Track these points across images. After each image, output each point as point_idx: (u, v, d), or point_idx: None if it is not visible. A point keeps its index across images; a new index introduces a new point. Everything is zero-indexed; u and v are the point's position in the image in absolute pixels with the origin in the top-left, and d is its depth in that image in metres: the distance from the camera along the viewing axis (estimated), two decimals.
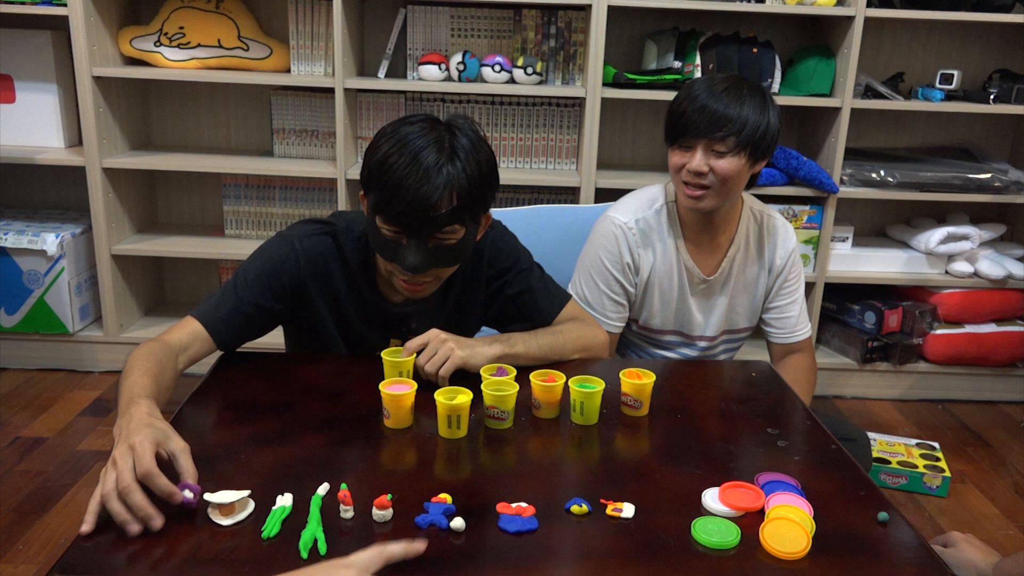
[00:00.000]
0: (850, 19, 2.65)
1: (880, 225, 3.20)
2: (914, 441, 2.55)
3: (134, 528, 0.94)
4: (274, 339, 1.53)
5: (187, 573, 0.89)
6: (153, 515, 0.95)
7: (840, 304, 3.02)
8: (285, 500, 1.00)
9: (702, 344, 1.76)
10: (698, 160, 1.53)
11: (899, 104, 2.76)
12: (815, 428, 1.28)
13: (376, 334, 1.50)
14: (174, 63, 2.78)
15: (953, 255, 2.91)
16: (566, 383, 1.27)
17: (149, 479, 0.97)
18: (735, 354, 1.85)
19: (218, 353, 1.44)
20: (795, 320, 1.77)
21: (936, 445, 2.53)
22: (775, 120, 1.55)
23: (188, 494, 0.98)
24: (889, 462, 2.40)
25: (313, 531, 0.95)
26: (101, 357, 2.92)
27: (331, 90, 2.70)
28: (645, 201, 1.70)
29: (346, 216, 1.48)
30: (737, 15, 2.88)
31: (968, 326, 2.95)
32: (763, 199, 2.76)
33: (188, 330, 1.36)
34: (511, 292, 1.52)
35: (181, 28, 2.78)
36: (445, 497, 1.02)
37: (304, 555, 0.92)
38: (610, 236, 1.67)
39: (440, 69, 2.73)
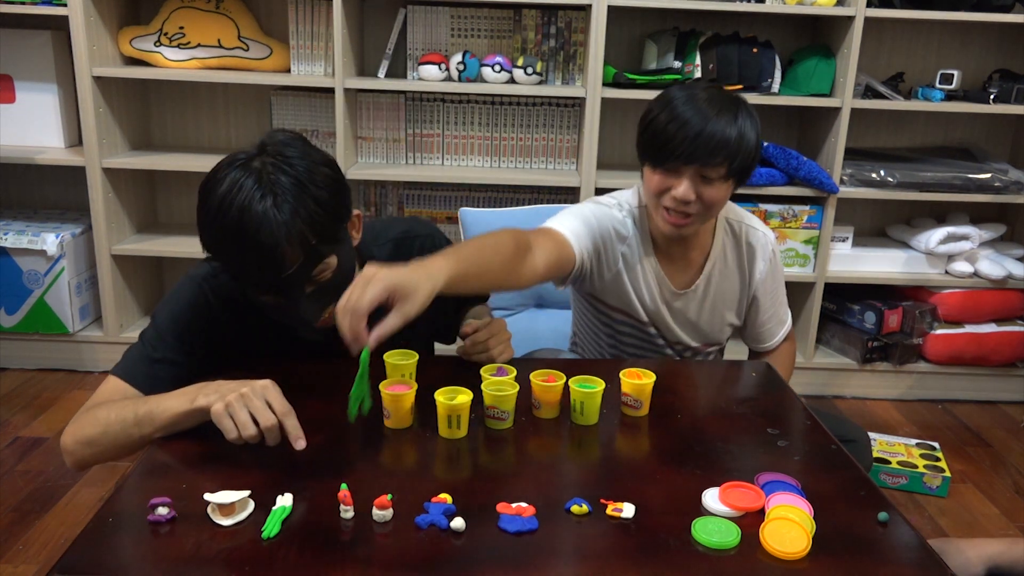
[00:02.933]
0: (850, 19, 2.65)
1: (880, 225, 3.20)
2: (914, 441, 2.55)
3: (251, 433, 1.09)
4: None
5: (187, 573, 0.89)
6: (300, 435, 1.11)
7: (840, 304, 3.02)
8: (285, 500, 1.00)
9: (681, 349, 1.71)
10: (685, 188, 1.41)
11: (899, 104, 2.76)
12: (815, 428, 1.28)
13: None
14: (174, 63, 2.78)
15: (953, 255, 2.91)
16: (566, 383, 1.27)
17: (287, 416, 1.11)
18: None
19: None
20: (773, 328, 1.73)
21: (936, 445, 2.53)
22: (759, 137, 1.46)
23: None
24: (889, 462, 2.40)
25: (362, 390, 1.02)
26: (101, 357, 2.92)
27: (331, 90, 2.70)
28: (623, 201, 1.60)
29: None
30: (737, 15, 2.88)
31: (968, 326, 2.95)
32: (763, 199, 2.79)
33: (120, 395, 1.27)
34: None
35: (181, 28, 2.78)
36: (445, 497, 1.02)
37: (352, 417, 1.09)
38: (604, 204, 1.59)
39: (440, 69, 2.73)
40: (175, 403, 1.15)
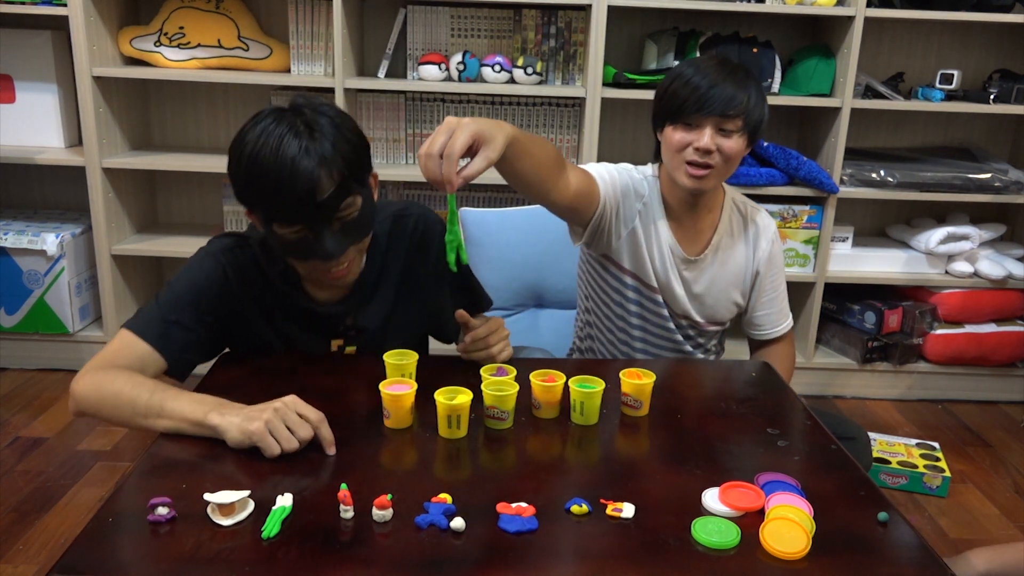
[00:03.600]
0: (850, 19, 2.65)
1: (880, 225, 3.20)
2: (914, 441, 2.55)
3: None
4: None
5: (187, 573, 0.89)
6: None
7: (840, 304, 3.02)
8: (285, 500, 1.00)
9: (685, 323, 1.73)
10: (707, 138, 1.51)
11: (899, 104, 2.76)
12: (815, 428, 1.28)
13: (315, 338, 1.49)
14: (174, 63, 2.78)
15: (953, 255, 2.91)
16: (566, 383, 1.27)
17: (321, 424, 1.14)
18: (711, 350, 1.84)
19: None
20: (776, 316, 1.76)
21: (936, 445, 2.53)
22: (767, 105, 1.57)
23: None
24: (889, 462, 2.40)
25: (456, 234, 1.13)
26: None
27: (331, 90, 2.70)
28: (639, 168, 1.69)
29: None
30: (737, 15, 2.88)
31: (968, 326, 2.95)
32: (763, 199, 2.79)
33: (134, 353, 1.29)
34: (441, 279, 1.55)
35: (181, 28, 2.78)
36: (445, 497, 1.02)
37: (452, 265, 1.17)
38: (623, 167, 1.66)
39: (440, 69, 2.73)
40: (187, 408, 1.17)
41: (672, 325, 1.71)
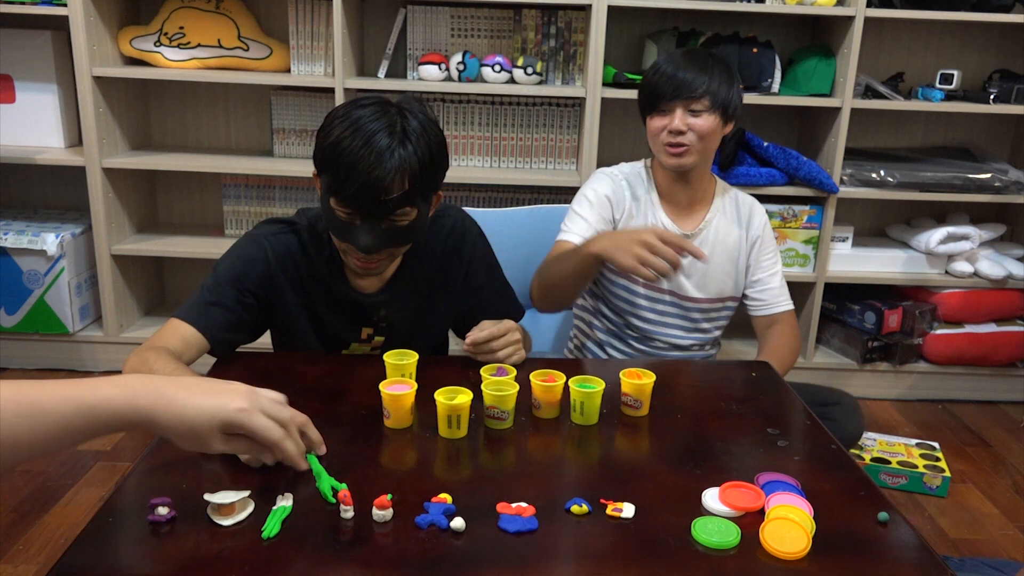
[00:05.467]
0: (850, 19, 2.65)
1: (880, 225, 3.20)
2: (914, 441, 2.55)
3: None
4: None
5: (187, 573, 0.89)
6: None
7: (840, 304, 3.02)
8: (285, 500, 1.00)
9: (692, 307, 1.80)
10: (677, 119, 1.68)
11: (899, 104, 2.76)
12: (815, 428, 1.28)
13: (347, 324, 1.52)
14: (174, 63, 2.78)
15: (953, 255, 2.91)
16: (566, 383, 1.27)
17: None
18: (723, 331, 1.89)
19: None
20: (776, 291, 1.84)
21: (936, 445, 2.53)
22: (738, 85, 1.72)
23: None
24: (889, 462, 2.40)
25: (328, 482, 1.03)
26: (101, 357, 2.92)
27: (331, 90, 2.71)
28: (626, 167, 1.87)
29: (308, 213, 1.52)
30: (737, 15, 2.88)
31: (968, 326, 2.95)
32: (763, 199, 2.76)
33: (179, 335, 1.36)
34: (474, 285, 1.58)
35: (181, 28, 2.78)
36: (445, 497, 1.02)
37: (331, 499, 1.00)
38: (598, 176, 1.84)
39: (440, 69, 2.73)
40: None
41: (671, 306, 1.80)
